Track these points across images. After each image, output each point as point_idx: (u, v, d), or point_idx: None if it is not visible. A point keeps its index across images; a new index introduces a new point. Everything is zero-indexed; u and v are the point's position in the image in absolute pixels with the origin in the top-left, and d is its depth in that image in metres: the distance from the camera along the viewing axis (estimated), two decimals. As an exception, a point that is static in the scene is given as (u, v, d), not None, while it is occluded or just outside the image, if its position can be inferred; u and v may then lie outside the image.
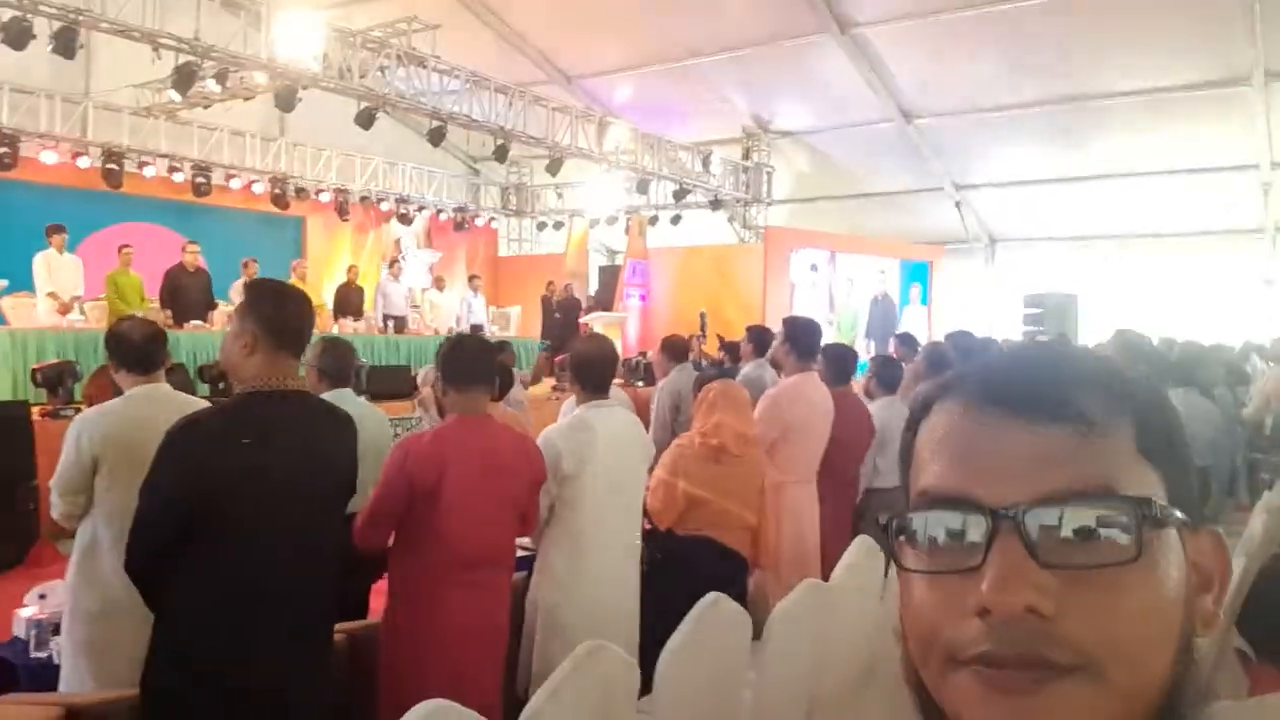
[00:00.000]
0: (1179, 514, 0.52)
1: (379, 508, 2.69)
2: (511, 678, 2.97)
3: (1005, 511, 0.51)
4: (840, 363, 4.78)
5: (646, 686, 2.39)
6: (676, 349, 6.32)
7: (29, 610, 3.29)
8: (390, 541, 2.76)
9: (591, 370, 3.27)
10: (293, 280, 10.76)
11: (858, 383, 5.56)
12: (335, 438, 2.39)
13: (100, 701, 2.27)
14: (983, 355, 0.62)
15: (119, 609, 2.56)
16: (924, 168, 13.23)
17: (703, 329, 11.59)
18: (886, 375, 5.14)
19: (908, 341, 6.96)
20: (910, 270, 14.47)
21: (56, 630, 3.06)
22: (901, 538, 0.56)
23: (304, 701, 2.25)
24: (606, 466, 3.12)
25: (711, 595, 2.57)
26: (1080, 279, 12.84)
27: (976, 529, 0.52)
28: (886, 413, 4.86)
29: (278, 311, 2.27)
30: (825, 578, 3.27)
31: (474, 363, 2.86)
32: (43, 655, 3.12)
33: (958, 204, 13.82)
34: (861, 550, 3.36)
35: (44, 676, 3.00)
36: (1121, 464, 0.53)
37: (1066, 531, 0.50)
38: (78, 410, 4.87)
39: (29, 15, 7.25)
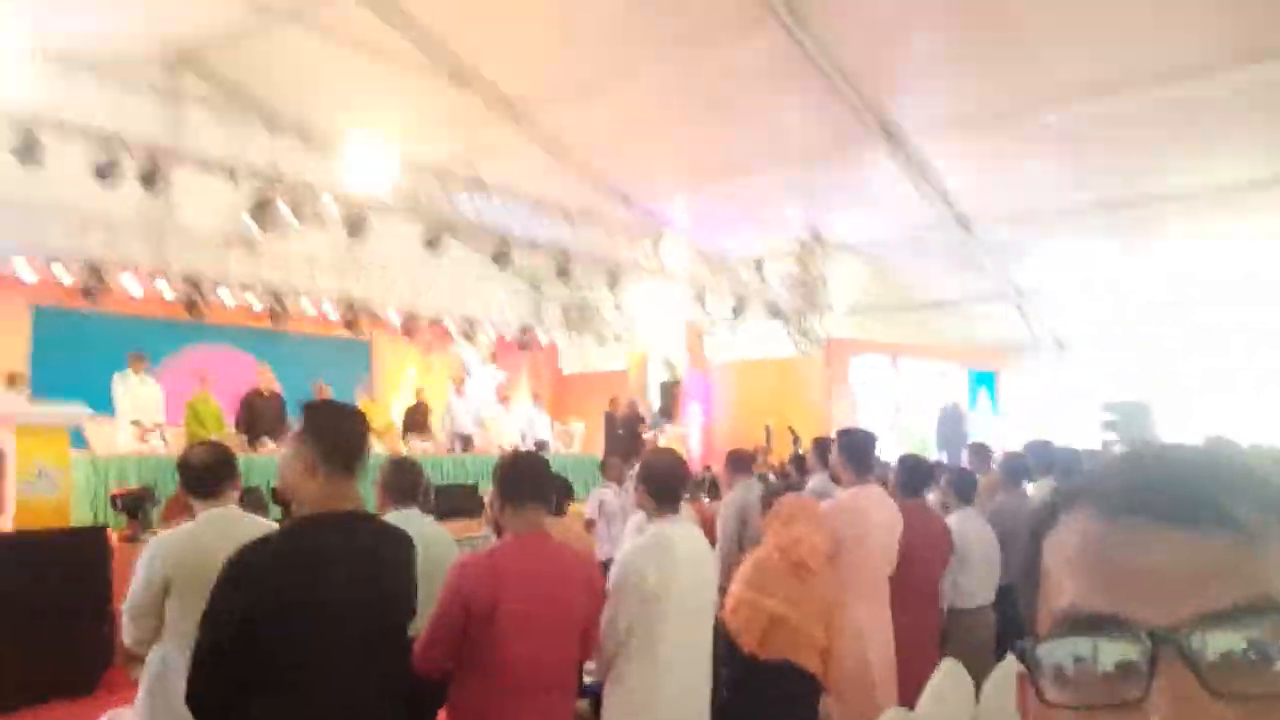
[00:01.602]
0: None
1: (436, 630, 2.64)
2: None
3: (1167, 633, 0.45)
4: (913, 473, 4.64)
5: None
6: (741, 462, 6.24)
7: (99, 739, 3.26)
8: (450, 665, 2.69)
9: (662, 482, 3.20)
10: (361, 399, 10.98)
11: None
12: (395, 560, 2.37)
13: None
14: (1104, 460, 0.56)
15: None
16: (984, 274, 13.14)
17: (768, 441, 11.47)
18: (961, 487, 4.98)
19: (980, 452, 6.78)
20: (977, 378, 14.23)
21: (127, 758, 3.02)
22: (1039, 666, 0.50)
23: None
24: (685, 583, 3.03)
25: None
26: (1154, 382, 12.46)
27: (1132, 654, 0.46)
28: (964, 525, 4.70)
29: (334, 433, 2.28)
30: (907, 701, 3.09)
31: (529, 479, 2.83)
32: (115, 785, 3.08)
33: (1019, 308, 13.64)
34: (947, 674, 3.18)
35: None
36: None
37: (1238, 654, 0.44)
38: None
39: (117, 153, 7.72)
